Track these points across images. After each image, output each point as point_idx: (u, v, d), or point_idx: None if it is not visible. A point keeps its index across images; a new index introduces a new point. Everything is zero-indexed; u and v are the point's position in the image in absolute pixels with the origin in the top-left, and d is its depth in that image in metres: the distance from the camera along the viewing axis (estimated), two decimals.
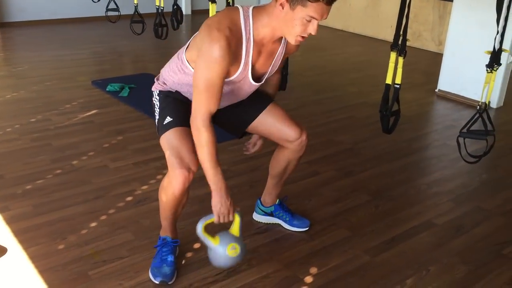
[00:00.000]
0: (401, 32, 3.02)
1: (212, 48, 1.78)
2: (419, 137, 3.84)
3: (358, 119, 4.11)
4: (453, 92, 4.67)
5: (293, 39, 1.86)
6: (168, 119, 2.04)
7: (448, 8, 6.04)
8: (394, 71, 3.06)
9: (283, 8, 1.78)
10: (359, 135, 3.77)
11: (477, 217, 2.74)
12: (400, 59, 3.01)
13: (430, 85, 4.96)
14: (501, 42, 2.68)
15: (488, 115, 2.72)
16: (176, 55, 2.12)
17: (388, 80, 3.10)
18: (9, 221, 2.46)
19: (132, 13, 5.46)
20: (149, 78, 4.86)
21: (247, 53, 1.90)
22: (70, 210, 2.59)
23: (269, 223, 2.55)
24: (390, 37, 7.23)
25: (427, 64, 5.94)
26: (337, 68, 5.75)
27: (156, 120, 2.11)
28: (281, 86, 3.88)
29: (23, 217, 2.50)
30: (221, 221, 1.94)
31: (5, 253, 2.24)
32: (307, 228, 2.52)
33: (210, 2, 3.80)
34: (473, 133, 2.84)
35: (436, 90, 4.81)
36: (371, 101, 4.36)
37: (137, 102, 4.13)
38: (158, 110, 2.13)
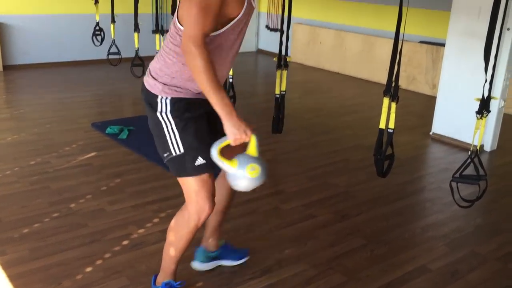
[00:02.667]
0: (393, 79, 3.12)
1: None
2: (414, 180, 3.88)
3: (353, 161, 4.16)
4: (447, 135, 4.74)
5: None
6: (201, 160, 1.93)
7: (441, 52, 6.19)
8: (388, 116, 3.14)
9: None
10: (354, 178, 3.81)
11: (472, 262, 2.74)
12: (393, 105, 3.08)
13: (424, 128, 5.04)
14: (489, 90, 2.76)
15: (480, 160, 2.77)
16: (165, 41, 1.98)
17: (382, 125, 3.16)
18: (5, 266, 2.47)
19: (133, 56, 5.59)
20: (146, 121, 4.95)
21: None
22: (66, 254, 2.60)
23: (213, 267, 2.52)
24: (384, 79, 7.36)
25: (422, 107, 6.04)
26: (333, 110, 5.84)
27: (175, 154, 1.94)
28: (277, 129, 3.98)
29: (19, 262, 2.51)
30: (238, 143, 1.88)
31: None
32: (248, 257, 2.56)
33: None
34: (465, 177, 2.88)
35: (431, 133, 4.88)
36: (366, 144, 4.43)
37: (135, 144, 4.19)
38: (177, 140, 1.94)
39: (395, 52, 3.11)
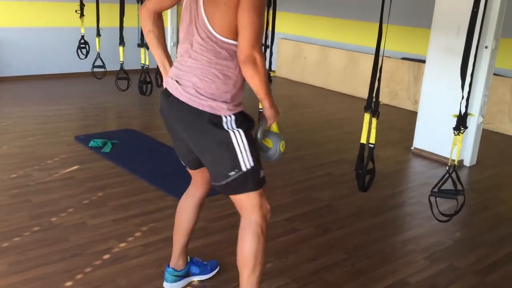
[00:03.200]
0: (374, 95, 3.18)
1: None
2: (395, 195, 3.93)
3: (336, 176, 4.20)
4: (427, 150, 4.81)
5: None
6: (262, 173, 1.99)
7: (422, 68, 6.30)
8: (368, 131, 3.19)
9: None
10: (337, 192, 3.85)
11: (451, 275, 2.78)
12: (374, 120, 3.13)
13: (406, 143, 5.11)
14: (466, 107, 2.82)
15: (457, 175, 2.83)
16: (203, 58, 1.92)
17: (363, 140, 3.20)
18: None
19: (118, 69, 5.60)
20: (133, 134, 4.95)
21: None
22: (46, 268, 2.58)
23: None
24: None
25: (404, 122, 6.13)
26: (317, 125, 5.90)
27: (248, 168, 1.93)
28: None
29: (6, 271, 2.49)
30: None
31: None
32: (218, 267, 2.62)
33: None
34: (444, 192, 2.93)
35: (412, 148, 4.96)
36: (348, 158, 4.48)
37: (119, 158, 4.18)
38: (248, 153, 1.93)
39: (376, 68, 3.17)
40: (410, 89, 6.75)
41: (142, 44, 5.46)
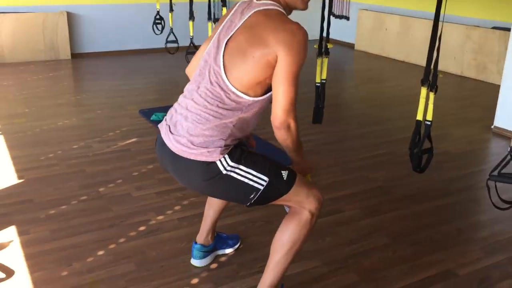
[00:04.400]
0: (432, 67, 2.88)
1: (303, 31, 1.78)
2: (461, 177, 3.57)
3: (398, 155, 3.91)
4: (509, 129, 4.33)
5: (302, 4, 1.91)
6: (285, 172, 1.91)
7: None
8: (425, 106, 2.91)
9: None
10: (395, 172, 3.58)
11: (508, 269, 2.48)
12: (431, 95, 2.86)
13: (486, 121, 4.64)
14: None
15: None
16: (203, 105, 1.84)
17: (419, 117, 2.94)
18: (24, 245, 2.58)
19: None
20: None
21: None
22: (83, 237, 2.66)
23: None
24: (452, 68, 6.91)
25: (488, 99, 5.56)
26: (390, 100, 5.56)
27: (264, 184, 1.86)
28: (317, 119, 3.84)
29: (38, 242, 2.61)
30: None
31: (11, 276, 2.34)
32: (240, 241, 2.61)
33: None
34: (504, 176, 2.60)
35: (492, 127, 4.49)
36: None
37: None
38: (255, 174, 1.86)
39: (434, 37, 2.87)
40: (500, 62, 6.11)
41: (210, 17, 5.45)
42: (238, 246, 2.59)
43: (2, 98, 5.14)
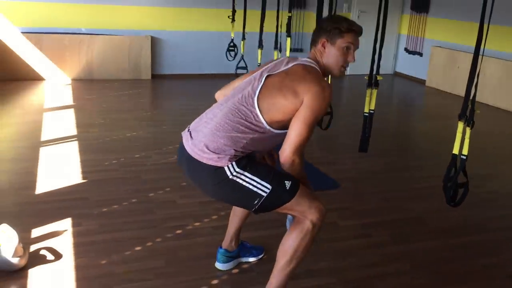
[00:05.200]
0: (469, 102, 2.94)
1: (330, 90, 2.06)
2: (503, 217, 3.50)
3: (441, 189, 3.88)
4: None
5: (337, 71, 2.23)
6: (288, 182, 2.06)
7: None
8: (462, 141, 2.96)
9: (325, 48, 2.18)
10: (435, 205, 3.58)
11: None
12: (468, 130, 2.91)
13: None
14: None
15: None
16: (229, 117, 2.07)
17: (455, 151, 2.99)
18: (75, 234, 2.92)
19: None
20: None
21: None
22: (126, 233, 2.96)
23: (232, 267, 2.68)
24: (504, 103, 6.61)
25: None
26: (449, 137, 5.46)
27: (267, 191, 2.04)
28: (362, 148, 3.94)
29: (87, 234, 2.95)
30: None
31: (59, 259, 2.67)
32: (263, 252, 2.77)
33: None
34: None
35: None
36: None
37: None
38: (259, 182, 2.04)
39: (473, 73, 2.94)
40: None
41: (276, 47, 5.74)
42: (262, 257, 2.76)
43: (84, 109, 5.71)
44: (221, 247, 2.66)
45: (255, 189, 2.04)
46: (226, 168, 2.03)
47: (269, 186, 2.04)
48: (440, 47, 7.93)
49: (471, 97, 2.92)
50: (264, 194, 2.04)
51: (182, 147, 2.16)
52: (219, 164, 2.02)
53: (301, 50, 8.33)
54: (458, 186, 3.02)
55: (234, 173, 2.03)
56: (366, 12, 8.47)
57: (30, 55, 6.97)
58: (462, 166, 2.96)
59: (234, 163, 2.03)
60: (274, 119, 2.05)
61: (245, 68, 6.46)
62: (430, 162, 4.55)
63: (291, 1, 5.44)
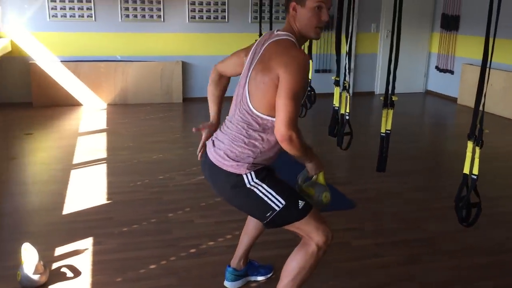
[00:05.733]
0: (478, 122, 2.95)
1: (303, 55, 2.05)
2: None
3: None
4: None
5: (313, 33, 2.17)
6: (301, 202, 2.15)
7: None
8: (472, 160, 2.96)
9: (296, 12, 2.15)
10: (451, 226, 3.50)
11: None
12: (477, 149, 2.92)
13: None
14: None
15: None
16: (236, 125, 2.17)
17: (466, 170, 3.00)
18: (95, 253, 3.08)
19: None
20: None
21: None
22: (142, 252, 3.10)
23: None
24: None
25: None
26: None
27: (280, 206, 2.12)
28: (380, 168, 3.96)
29: (106, 252, 3.10)
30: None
31: (78, 276, 2.82)
32: (272, 271, 2.84)
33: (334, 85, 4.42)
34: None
35: None
36: (490, 195, 4.03)
37: None
38: (275, 196, 2.13)
39: (480, 93, 2.96)
40: None
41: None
42: (271, 276, 2.83)
43: (116, 133, 5.96)
44: (229, 266, 2.75)
45: (269, 201, 2.11)
46: (244, 176, 2.12)
47: (283, 202, 2.12)
48: (471, 64, 7.83)
49: (479, 118, 2.94)
50: (277, 209, 2.11)
51: (205, 155, 2.28)
52: (237, 171, 2.12)
53: (329, 71, 8.40)
54: (471, 206, 3.02)
55: (252, 183, 2.12)
56: None
57: (68, 82, 7.35)
58: (473, 186, 2.96)
59: (253, 173, 2.12)
60: (272, 109, 2.07)
61: None
62: (452, 182, 4.48)
63: None
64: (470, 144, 2.94)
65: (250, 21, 8.00)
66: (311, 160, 2.23)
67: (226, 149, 2.16)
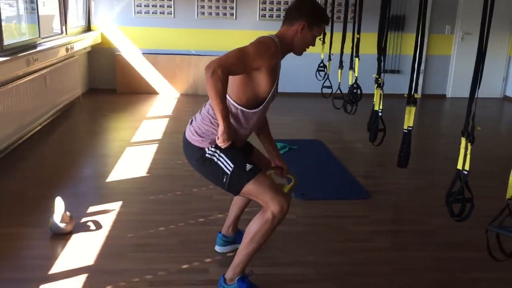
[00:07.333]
0: (470, 119, 3.03)
1: (267, 40, 2.42)
2: None
3: (480, 210, 3.85)
4: None
5: (300, 52, 2.60)
6: (249, 166, 2.44)
7: None
8: (464, 156, 3.06)
9: (302, 30, 2.50)
10: (454, 222, 3.60)
11: None
12: (469, 146, 3.01)
13: None
14: None
15: None
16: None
17: (459, 166, 3.10)
18: (119, 214, 3.59)
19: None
20: (315, 144, 5.55)
21: (278, 72, 2.53)
22: (157, 217, 3.55)
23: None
24: None
25: None
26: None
27: (230, 170, 2.42)
28: (401, 163, 4.09)
29: (128, 214, 3.60)
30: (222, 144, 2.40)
31: (99, 229, 3.34)
32: None
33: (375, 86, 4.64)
34: (504, 229, 2.60)
35: None
36: None
37: (287, 161, 4.87)
38: (226, 160, 2.43)
39: (473, 91, 3.03)
40: None
41: (351, 67, 6.01)
42: None
43: (177, 119, 6.53)
44: (220, 232, 3.11)
45: (223, 166, 2.44)
46: (206, 149, 2.49)
47: (232, 165, 2.43)
48: None
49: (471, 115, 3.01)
50: (229, 172, 2.43)
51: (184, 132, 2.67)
52: (202, 145, 2.50)
53: (398, 72, 8.39)
54: (463, 201, 3.11)
55: (210, 152, 2.47)
56: (470, 34, 8.25)
57: (148, 72, 8.11)
58: (464, 181, 3.05)
59: (213, 145, 2.46)
60: (238, 93, 2.43)
61: (330, 87, 6.81)
62: (474, 184, 4.45)
63: (358, 23, 5.73)
64: (463, 141, 3.03)
65: None
66: (221, 120, 2.32)
67: (195, 127, 2.55)
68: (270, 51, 2.41)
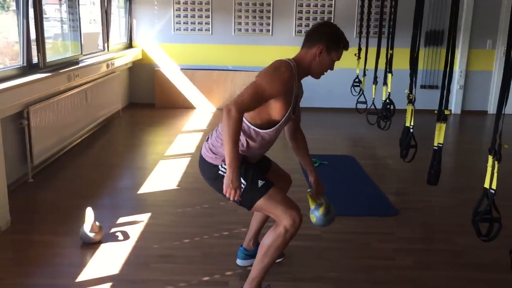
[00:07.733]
0: (497, 136, 2.98)
1: (281, 66, 2.44)
2: None
3: (508, 229, 3.75)
4: None
5: (318, 75, 2.61)
6: (261, 182, 2.49)
7: None
8: (491, 175, 3.00)
9: (320, 54, 2.52)
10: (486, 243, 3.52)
11: None
12: (496, 164, 2.96)
13: None
14: None
15: None
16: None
17: (486, 184, 3.04)
18: (147, 225, 3.71)
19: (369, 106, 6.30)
20: (346, 160, 5.53)
21: (295, 95, 2.56)
22: (183, 229, 3.65)
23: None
24: None
25: None
26: None
27: (243, 186, 2.45)
28: (430, 180, 4.03)
29: (156, 225, 3.72)
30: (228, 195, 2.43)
31: (126, 239, 3.46)
32: (283, 257, 3.10)
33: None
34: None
35: None
36: None
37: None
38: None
39: (500, 108, 2.98)
40: None
41: (380, 82, 5.98)
42: (281, 261, 3.16)
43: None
44: (241, 246, 3.16)
45: None
46: (219, 166, 2.56)
47: (244, 182, 2.48)
48: None
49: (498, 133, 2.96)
50: (241, 190, 2.46)
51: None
52: (215, 163, 2.58)
53: (436, 87, 8.24)
54: (491, 220, 3.04)
55: (222, 169, 2.53)
56: None
57: (185, 87, 8.32)
58: (491, 200, 2.99)
59: (224, 163, 2.48)
60: (252, 115, 2.48)
61: (365, 102, 6.78)
62: (504, 203, 4.33)
63: (392, 39, 5.71)
64: (490, 159, 2.98)
65: (354, 36, 8.23)
66: (229, 169, 2.35)
67: (210, 144, 2.63)
68: (284, 77, 2.43)
